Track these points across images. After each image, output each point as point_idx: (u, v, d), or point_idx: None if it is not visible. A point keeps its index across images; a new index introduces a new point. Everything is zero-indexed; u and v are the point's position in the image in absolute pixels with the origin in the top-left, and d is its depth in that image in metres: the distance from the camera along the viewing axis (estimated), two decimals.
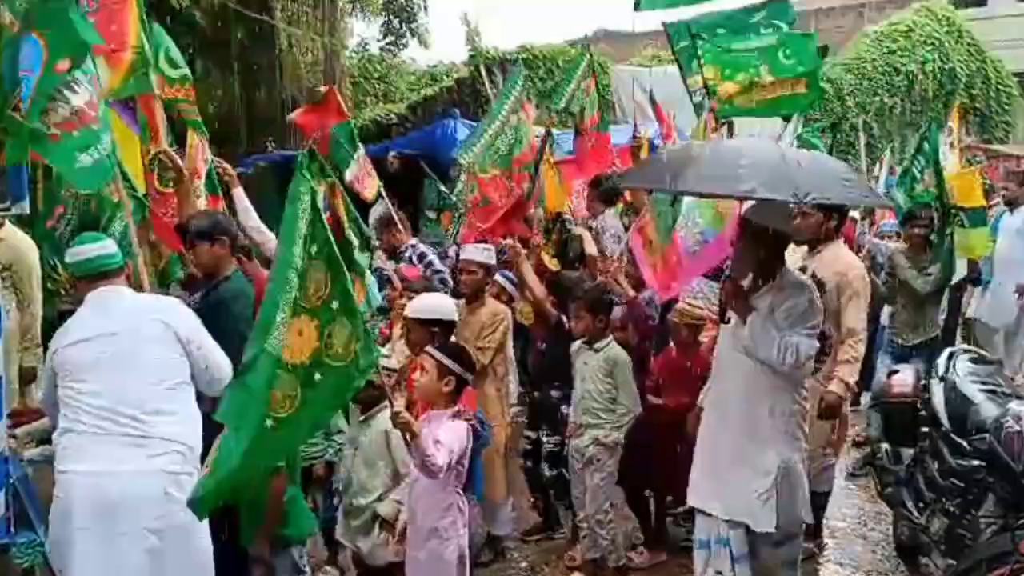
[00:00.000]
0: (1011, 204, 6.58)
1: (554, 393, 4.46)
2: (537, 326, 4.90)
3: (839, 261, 4.31)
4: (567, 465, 4.28)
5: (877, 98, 14.93)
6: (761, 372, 3.23)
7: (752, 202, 3.20)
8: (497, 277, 4.92)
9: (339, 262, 2.54)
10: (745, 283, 3.31)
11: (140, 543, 2.83)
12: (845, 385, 4.08)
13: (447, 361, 3.12)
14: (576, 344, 4.26)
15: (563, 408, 4.35)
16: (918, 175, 6.28)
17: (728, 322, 3.33)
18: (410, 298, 4.24)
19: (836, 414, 4.22)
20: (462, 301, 4.46)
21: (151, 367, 2.97)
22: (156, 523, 2.84)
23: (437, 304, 3.93)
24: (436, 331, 3.69)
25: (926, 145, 6.37)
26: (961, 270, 6.30)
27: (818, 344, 3.25)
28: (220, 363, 3.10)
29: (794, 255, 4.17)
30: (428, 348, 3.23)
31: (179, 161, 4.17)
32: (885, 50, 15.35)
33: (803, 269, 4.09)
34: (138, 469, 2.85)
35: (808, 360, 3.22)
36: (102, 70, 3.72)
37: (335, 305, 2.52)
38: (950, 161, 6.36)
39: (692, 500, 3.43)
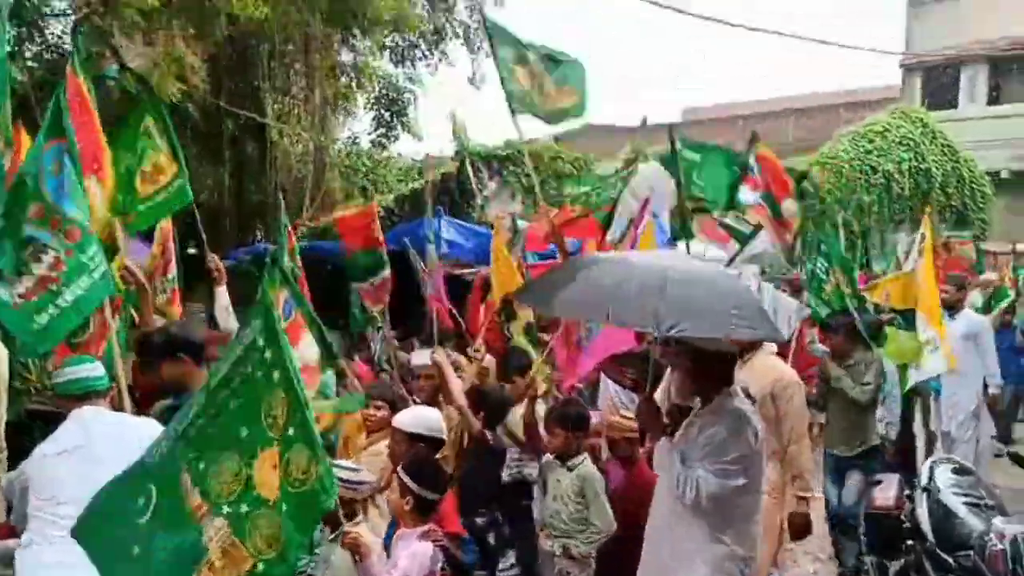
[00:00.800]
0: (950, 308, 6.29)
1: (479, 520, 4.16)
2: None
3: (771, 370, 4.27)
4: None
5: (855, 196, 15.27)
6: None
7: None
8: None
9: (294, 381, 2.41)
10: (695, 403, 3.20)
11: None
12: (807, 501, 4.04)
13: (406, 479, 3.07)
14: (548, 458, 4.15)
15: (489, 537, 4.13)
16: (824, 276, 6.13)
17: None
18: (376, 406, 4.22)
19: (808, 532, 4.18)
20: None
21: None
22: None
23: (427, 418, 3.85)
24: (422, 445, 3.61)
25: (823, 246, 6.38)
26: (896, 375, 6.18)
27: (736, 483, 3.00)
28: None
29: None
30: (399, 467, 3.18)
31: (140, 276, 4.16)
32: (862, 150, 15.81)
33: None
34: None
35: (714, 501, 3.00)
36: (97, 189, 3.83)
37: (292, 431, 2.39)
38: (921, 264, 6.34)
39: None
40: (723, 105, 26.70)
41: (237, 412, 2.41)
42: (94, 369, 3.26)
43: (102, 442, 3.01)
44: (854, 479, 5.28)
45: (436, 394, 4.38)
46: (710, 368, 3.15)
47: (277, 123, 12.10)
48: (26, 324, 3.40)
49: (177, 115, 10.33)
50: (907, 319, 6.01)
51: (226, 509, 2.37)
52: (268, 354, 2.39)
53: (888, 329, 5.93)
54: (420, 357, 4.63)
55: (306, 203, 12.99)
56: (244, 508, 2.36)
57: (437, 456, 3.64)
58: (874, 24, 57.97)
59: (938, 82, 21.53)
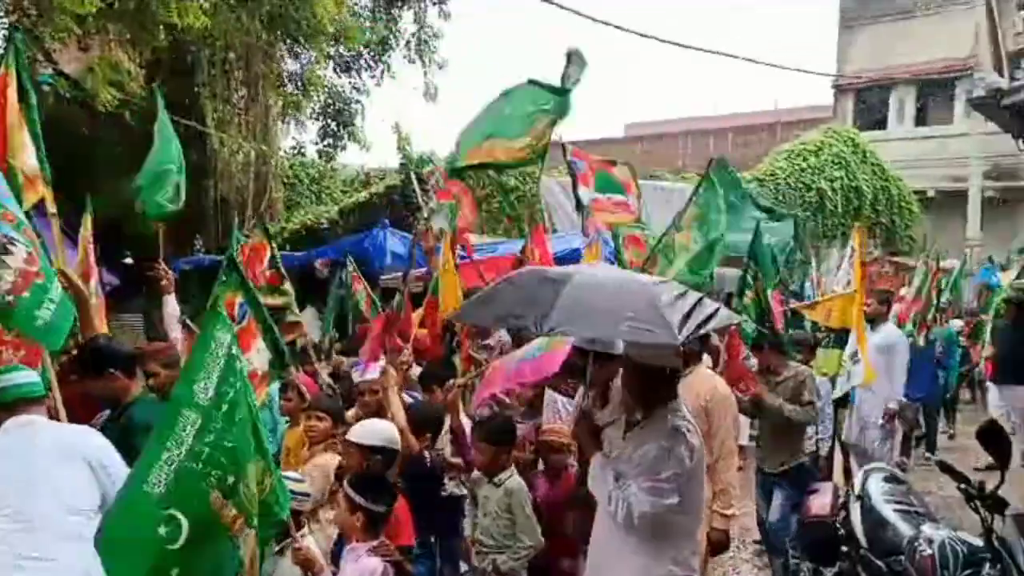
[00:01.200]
0: (872, 321, 6.32)
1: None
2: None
3: (703, 385, 4.28)
4: None
5: (792, 212, 15.68)
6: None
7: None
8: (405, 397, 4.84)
9: (247, 390, 2.50)
10: (637, 415, 3.18)
11: None
12: (727, 518, 4.07)
13: (352, 494, 3.06)
14: (477, 474, 4.08)
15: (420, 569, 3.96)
16: (751, 285, 6.13)
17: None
18: (318, 418, 4.17)
19: (725, 549, 4.23)
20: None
21: (59, 495, 2.90)
22: None
23: (382, 430, 3.82)
24: (379, 458, 3.61)
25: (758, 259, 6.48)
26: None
27: (668, 502, 2.94)
28: None
29: None
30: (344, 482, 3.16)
31: (78, 282, 4.02)
32: (797, 167, 16.26)
33: None
34: None
35: (647, 519, 2.97)
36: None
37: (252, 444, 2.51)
38: (853, 278, 6.53)
39: None
40: (664, 122, 27.23)
41: (244, 422, 2.47)
42: (29, 376, 3.18)
43: (36, 448, 2.97)
44: (779, 499, 5.31)
45: (380, 409, 4.32)
46: (651, 383, 3.12)
47: (217, 131, 11.86)
48: (29, 323, 3.28)
49: (112, 122, 10.11)
50: (841, 339, 6.18)
51: (255, 521, 2.49)
52: (242, 364, 2.48)
53: (819, 349, 6.07)
54: (370, 372, 4.56)
55: (248, 213, 12.79)
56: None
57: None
58: (808, 46, 59.78)
59: (868, 103, 22.35)
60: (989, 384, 9.53)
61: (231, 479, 2.43)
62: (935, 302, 10.00)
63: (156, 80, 10.39)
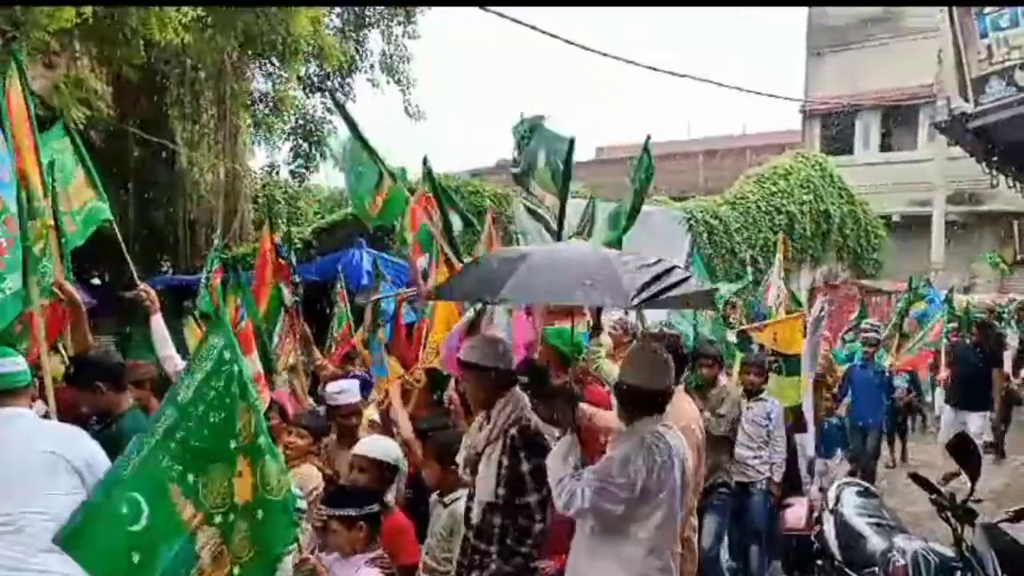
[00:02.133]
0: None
1: None
2: None
3: (678, 408, 4.07)
4: None
5: (762, 235, 15.89)
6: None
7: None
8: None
9: (251, 392, 2.57)
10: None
11: None
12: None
13: (348, 512, 3.09)
14: (433, 497, 3.84)
15: None
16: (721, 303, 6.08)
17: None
18: (299, 435, 4.16)
19: None
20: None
21: (47, 501, 2.82)
22: None
23: (391, 447, 3.87)
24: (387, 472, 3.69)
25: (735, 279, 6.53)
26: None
27: (610, 507, 2.93)
28: None
29: None
30: (324, 508, 3.18)
31: (74, 293, 4.01)
32: (767, 191, 16.51)
33: None
34: None
35: (583, 516, 2.98)
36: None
37: (261, 441, 2.56)
38: (779, 295, 6.47)
39: None
40: (634, 145, 27.43)
41: (219, 425, 2.51)
42: (16, 364, 3.03)
43: (16, 448, 2.89)
44: (707, 523, 5.02)
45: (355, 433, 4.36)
46: (636, 400, 3.15)
47: (187, 150, 11.78)
48: None
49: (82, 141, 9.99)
50: (789, 363, 6.10)
51: (218, 519, 2.52)
52: (235, 368, 2.52)
53: (771, 374, 6.01)
54: (336, 386, 4.56)
55: (217, 232, 12.68)
56: (231, 517, 2.53)
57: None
58: (777, 71, 60.97)
59: (835, 128, 22.80)
60: (945, 407, 9.29)
61: (191, 477, 2.48)
62: (898, 327, 9.99)
63: (124, 99, 10.33)
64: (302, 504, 3.31)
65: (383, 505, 3.31)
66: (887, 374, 8.81)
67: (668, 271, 2.87)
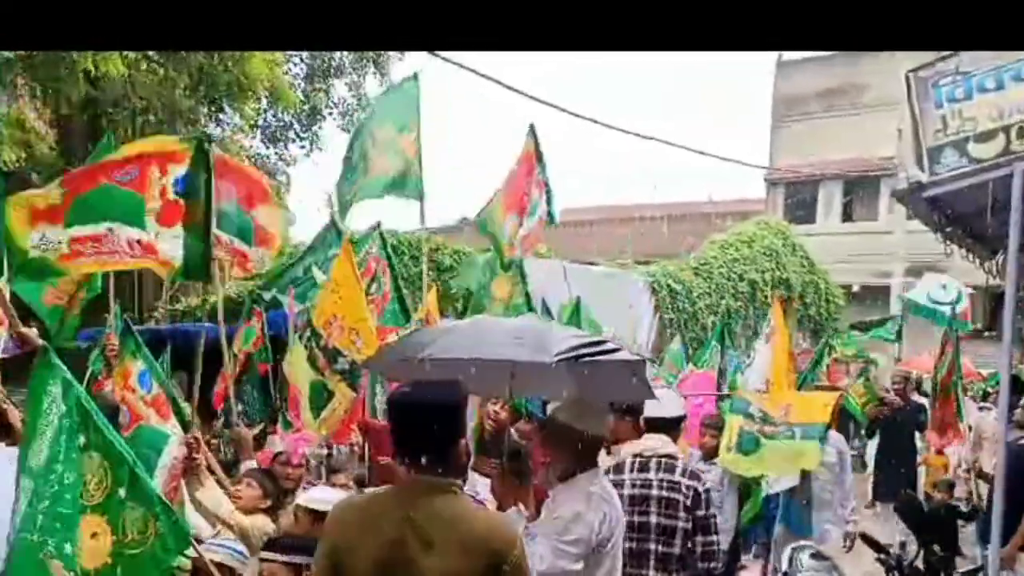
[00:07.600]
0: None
1: None
2: None
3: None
4: None
5: (724, 301, 15.82)
6: None
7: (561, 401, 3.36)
8: None
9: (115, 445, 2.45)
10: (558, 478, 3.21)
11: None
12: None
13: (294, 558, 2.99)
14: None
15: None
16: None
17: None
18: (248, 484, 4.13)
19: None
20: None
21: None
22: None
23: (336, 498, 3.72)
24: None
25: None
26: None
27: (568, 566, 2.94)
28: None
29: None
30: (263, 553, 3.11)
31: (34, 338, 3.92)
32: (730, 257, 16.50)
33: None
34: None
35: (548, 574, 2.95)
36: None
37: (121, 492, 2.43)
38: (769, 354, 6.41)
39: None
40: (600, 208, 27.59)
41: (75, 483, 2.43)
42: None
43: None
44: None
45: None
46: (580, 450, 3.12)
47: None
48: None
49: (17, 183, 9.53)
50: (805, 430, 5.72)
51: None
52: (76, 419, 2.42)
53: (772, 442, 5.63)
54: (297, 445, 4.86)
55: (166, 284, 12.16)
56: None
57: None
58: (743, 138, 62.49)
59: (798, 197, 23.12)
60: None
61: (67, 547, 2.40)
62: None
63: (69, 141, 9.91)
64: (237, 546, 3.46)
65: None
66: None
67: (600, 343, 3.04)
